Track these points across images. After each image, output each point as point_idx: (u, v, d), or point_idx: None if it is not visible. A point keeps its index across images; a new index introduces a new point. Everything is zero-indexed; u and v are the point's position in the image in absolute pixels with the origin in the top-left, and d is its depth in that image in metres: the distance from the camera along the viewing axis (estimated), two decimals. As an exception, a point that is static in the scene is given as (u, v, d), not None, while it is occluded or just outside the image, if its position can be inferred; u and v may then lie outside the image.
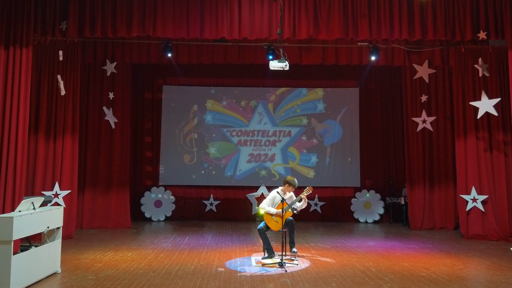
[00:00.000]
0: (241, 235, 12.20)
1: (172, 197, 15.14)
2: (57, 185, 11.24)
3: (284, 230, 8.86)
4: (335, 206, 15.48)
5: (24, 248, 7.46)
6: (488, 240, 11.44)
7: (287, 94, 15.84)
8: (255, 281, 7.43)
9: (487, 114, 11.55)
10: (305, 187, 9.21)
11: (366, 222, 14.91)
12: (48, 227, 7.49)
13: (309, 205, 14.91)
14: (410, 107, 13.56)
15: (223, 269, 8.24)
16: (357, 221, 15.02)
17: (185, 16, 10.25)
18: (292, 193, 9.25)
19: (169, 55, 12.38)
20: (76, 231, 11.79)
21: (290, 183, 9.17)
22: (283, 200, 8.65)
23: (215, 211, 15.36)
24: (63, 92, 11.26)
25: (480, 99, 11.58)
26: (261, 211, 9.12)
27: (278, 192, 8.97)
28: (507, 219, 11.52)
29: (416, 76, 13.25)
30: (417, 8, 10.29)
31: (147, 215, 14.89)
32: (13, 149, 9.12)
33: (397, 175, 15.33)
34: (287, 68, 10.44)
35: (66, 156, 11.43)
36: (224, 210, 15.41)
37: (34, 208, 7.31)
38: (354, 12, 10.28)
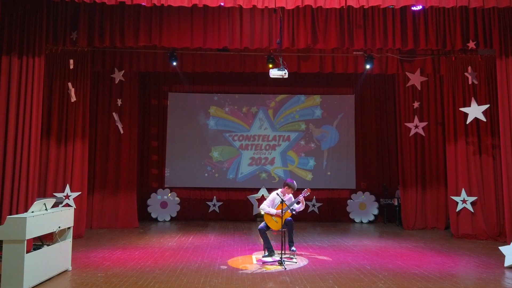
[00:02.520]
0: (242, 234, 12.19)
1: (177, 198, 15.14)
2: (68, 187, 11.24)
3: (283, 229, 8.86)
4: (332, 207, 15.47)
5: (36, 247, 7.48)
6: (477, 240, 11.45)
7: (286, 100, 15.85)
8: (256, 279, 7.44)
9: (476, 119, 11.55)
10: (303, 189, 9.22)
11: (361, 222, 14.90)
12: (59, 227, 7.50)
13: (307, 206, 14.93)
14: (403, 113, 13.57)
15: (225, 267, 8.25)
16: (352, 221, 15.01)
17: (189, 26, 10.25)
18: (291, 195, 9.26)
19: (174, 63, 12.40)
20: (86, 231, 11.81)
21: (289, 186, 9.18)
22: (282, 201, 8.68)
23: (218, 211, 15.35)
24: (73, 99, 11.29)
25: (469, 106, 11.59)
26: (262, 212, 9.14)
27: (278, 194, 9.00)
28: (495, 219, 11.53)
29: (409, 84, 13.26)
30: (409, 19, 10.29)
31: (153, 215, 14.90)
32: (26, 153, 9.12)
33: (391, 177, 15.33)
34: (286, 76, 10.44)
35: (76, 159, 11.45)
36: (227, 211, 15.39)
37: (46, 209, 7.34)
38: (350, 23, 10.28)
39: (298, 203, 9.05)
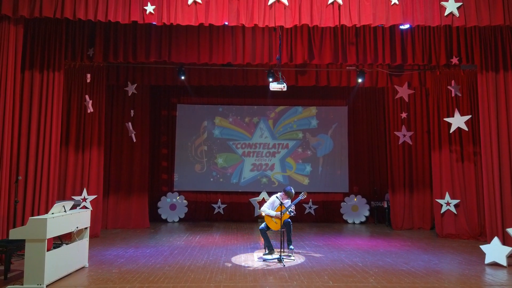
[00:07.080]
0: (245, 234, 12.18)
1: (185, 201, 15.14)
2: (85, 190, 11.29)
3: (282, 230, 8.86)
4: (326, 209, 15.45)
5: (56, 246, 7.52)
6: (460, 239, 11.44)
7: (285, 111, 15.88)
8: (257, 274, 7.44)
9: (459, 129, 11.57)
10: (301, 192, 9.26)
11: (354, 223, 14.88)
12: (77, 227, 7.52)
13: (304, 208, 15.01)
14: (392, 123, 13.60)
15: (229, 264, 8.25)
16: (345, 222, 14.99)
17: (196, 44, 10.29)
18: (288, 200, 9.29)
19: (182, 77, 12.41)
20: (101, 231, 11.82)
21: (286, 193, 9.25)
22: (281, 203, 8.70)
23: (222, 213, 15.34)
24: (90, 110, 11.34)
25: (453, 116, 11.60)
26: (263, 214, 9.15)
27: (277, 197, 9.01)
28: (476, 220, 11.53)
29: (397, 96, 13.28)
30: (398, 37, 10.32)
31: (163, 217, 14.89)
32: (47, 159, 9.13)
33: (381, 182, 15.31)
34: (285, 89, 10.46)
35: (93, 165, 11.50)
36: (230, 212, 15.39)
37: (65, 211, 7.35)
38: (343, 40, 10.30)
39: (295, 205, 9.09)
